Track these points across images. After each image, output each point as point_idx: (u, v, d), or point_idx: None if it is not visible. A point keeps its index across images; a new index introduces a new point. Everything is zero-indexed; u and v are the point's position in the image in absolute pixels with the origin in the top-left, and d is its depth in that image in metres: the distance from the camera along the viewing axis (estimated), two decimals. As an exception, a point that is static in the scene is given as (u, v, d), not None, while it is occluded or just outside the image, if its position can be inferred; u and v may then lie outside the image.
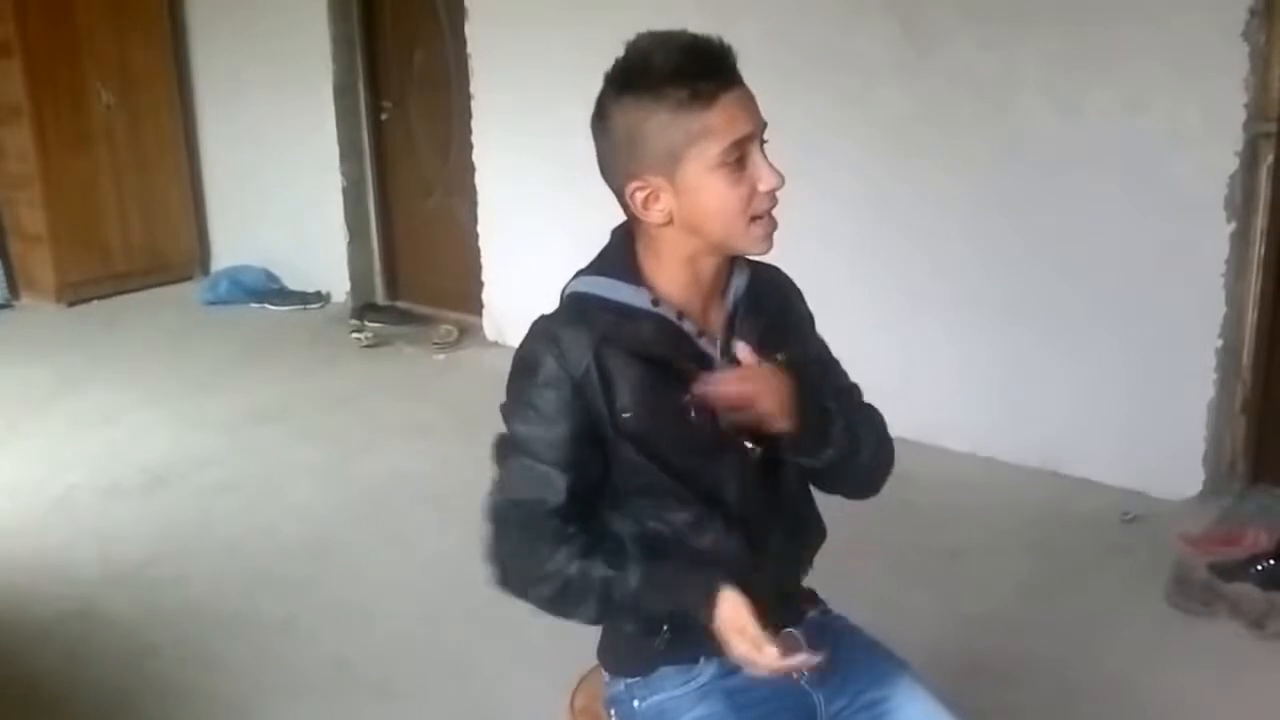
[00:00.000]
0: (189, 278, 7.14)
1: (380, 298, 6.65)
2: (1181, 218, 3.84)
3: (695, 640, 1.76)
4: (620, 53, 1.63)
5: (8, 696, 3.12)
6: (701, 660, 1.79)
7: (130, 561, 3.82)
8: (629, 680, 1.83)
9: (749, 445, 1.73)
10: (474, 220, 5.87)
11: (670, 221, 1.66)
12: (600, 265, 1.75)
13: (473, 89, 5.65)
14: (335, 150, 6.40)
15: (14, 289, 6.81)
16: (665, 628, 1.73)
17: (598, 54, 1.65)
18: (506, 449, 1.72)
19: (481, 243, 5.87)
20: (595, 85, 1.65)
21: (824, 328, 1.90)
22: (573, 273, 1.78)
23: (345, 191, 6.47)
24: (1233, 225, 3.76)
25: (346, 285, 6.58)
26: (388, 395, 5.37)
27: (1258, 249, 3.84)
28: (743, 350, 1.66)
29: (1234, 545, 3.45)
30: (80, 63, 6.58)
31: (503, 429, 1.74)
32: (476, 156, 5.75)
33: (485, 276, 5.89)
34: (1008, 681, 3.01)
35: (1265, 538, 3.44)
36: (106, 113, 6.71)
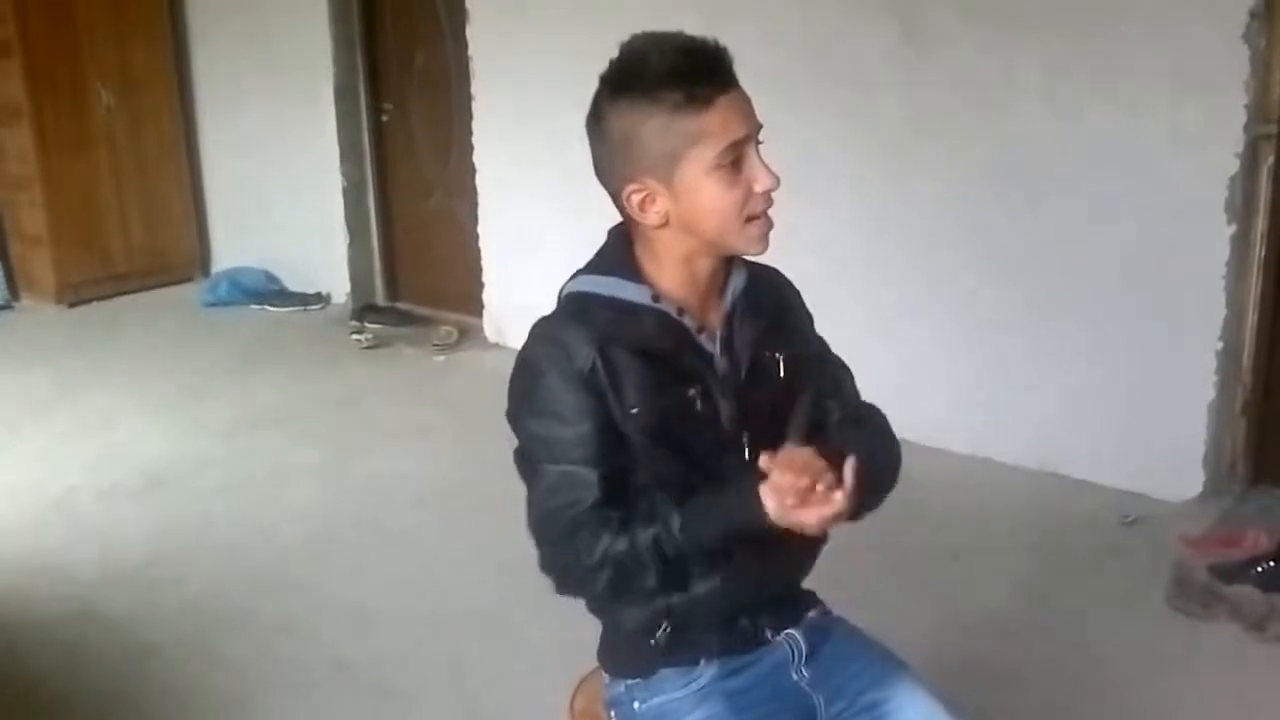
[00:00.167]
0: (189, 279, 7.14)
1: (380, 299, 6.65)
2: (1182, 220, 3.84)
3: (695, 642, 1.77)
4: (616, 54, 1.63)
5: (8, 696, 3.11)
6: (702, 662, 1.79)
7: (130, 562, 3.82)
8: (629, 682, 1.83)
9: (747, 453, 1.73)
10: (474, 221, 5.87)
11: (667, 223, 1.66)
12: (599, 264, 1.75)
13: (473, 90, 5.65)
14: (336, 152, 6.40)
15: (14, 290, 6.81)
16: (665, 624, 1.73)
17: (598, 56, 1.65)
18: (530, 460, 1.71)
19: (482, 244, 5.87)
20: (595, 87, 1.65)
21: (823, 328, 1.91)
22: (571, 273, 1.78)
23: (346, 193, 6.47)
24: (1233, 227, 3.76)
25: (347, 286, 6.58)
26: (388, 396, 5.37)
27: (1258, 251, 3.84)
28: (848, 472, 1.57)
29: (1234, 547, 3.45)
30: (81, 64, 6.58)
31: (515, 439, 1.73)
32: (477, 158, 5.75)
33: (485, 278, 5.89)
34: (1007, 683, 3.01)
35: (1265, 539, 3.44)
36: (107, 114, 6.71)
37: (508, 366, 1.74)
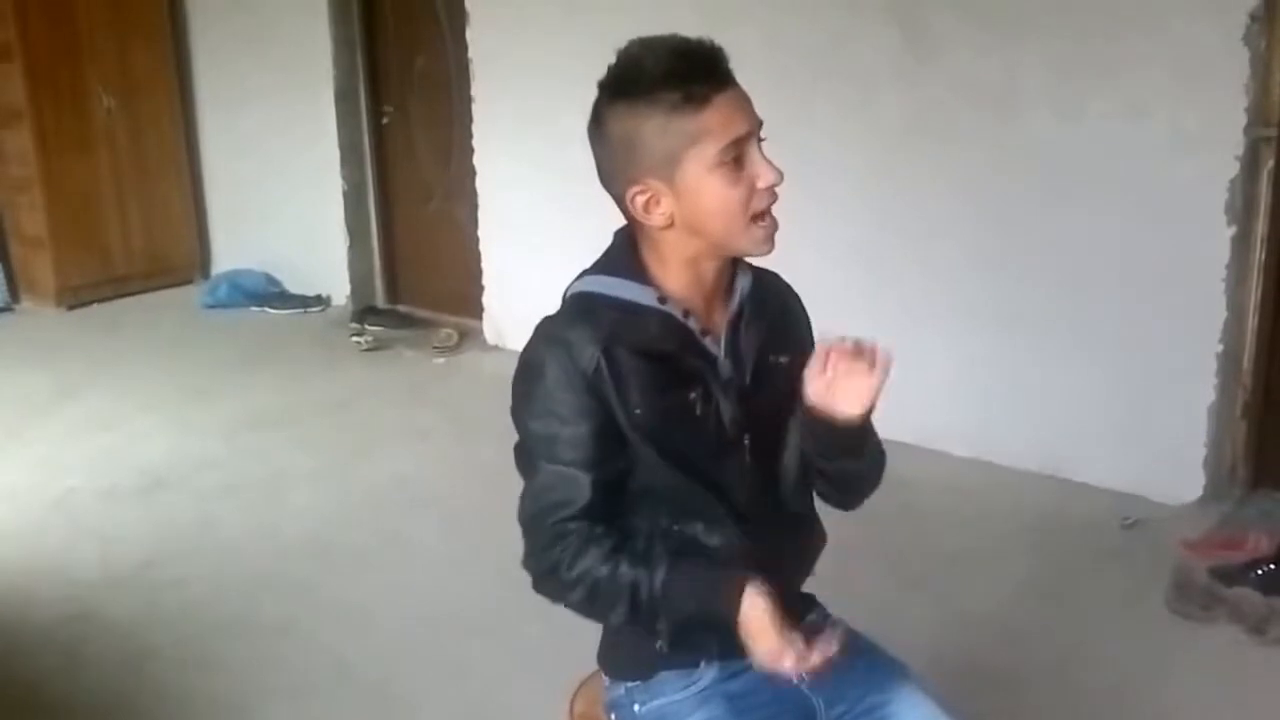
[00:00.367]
0: (189, 281, 7.14)
1: (380, 301, 6.65)
2: (1182, 222, 3.84)
3: (696, 644, 1.77)
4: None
5: (7, 699, 3.11)
6: (702, 664, 1.79)
7: (130, 564, 3.82)
8: (629, 684, 1.83)
9: (748, 455, 1.74)
10: (474, 224, 5.87)
11: (671, 224, 1.66)
12: (605, 265, 1.76)
13: (474, 93, 5.66)
14: (336, 154, 6.40)
15: (14, 292, 6.81)
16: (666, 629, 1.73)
17: (599, 59, 1.65)
18: (528, 456, 1.72)
19: (482, 246, 5.87)
20: (596, 90, 1.65)
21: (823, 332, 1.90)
22: (575, 275, 1.78)
23: (346, 195, 6.47)
24: (1233, 230, 3.76)
25: (347, 289, 6.58)
26: (387, 399, 5.37)
27: (1258, 254, 3.84)
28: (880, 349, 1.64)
29: (1234, 550, 3.45)
30: (81, 66, 6.58)
31: (517, 436, 1.74)
32: (477, 161, 5.75)
33: (485, 280, 5.89)
34: (1007, 685, 3.01)
35: (1266, 542, 3.44)
36: (107, 116, 6.71)
37: (508, 369, 1.74)
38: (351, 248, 6.54)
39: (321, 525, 4.09)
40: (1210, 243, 3.78)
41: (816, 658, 1.58)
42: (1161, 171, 3.84)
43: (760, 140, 1.65)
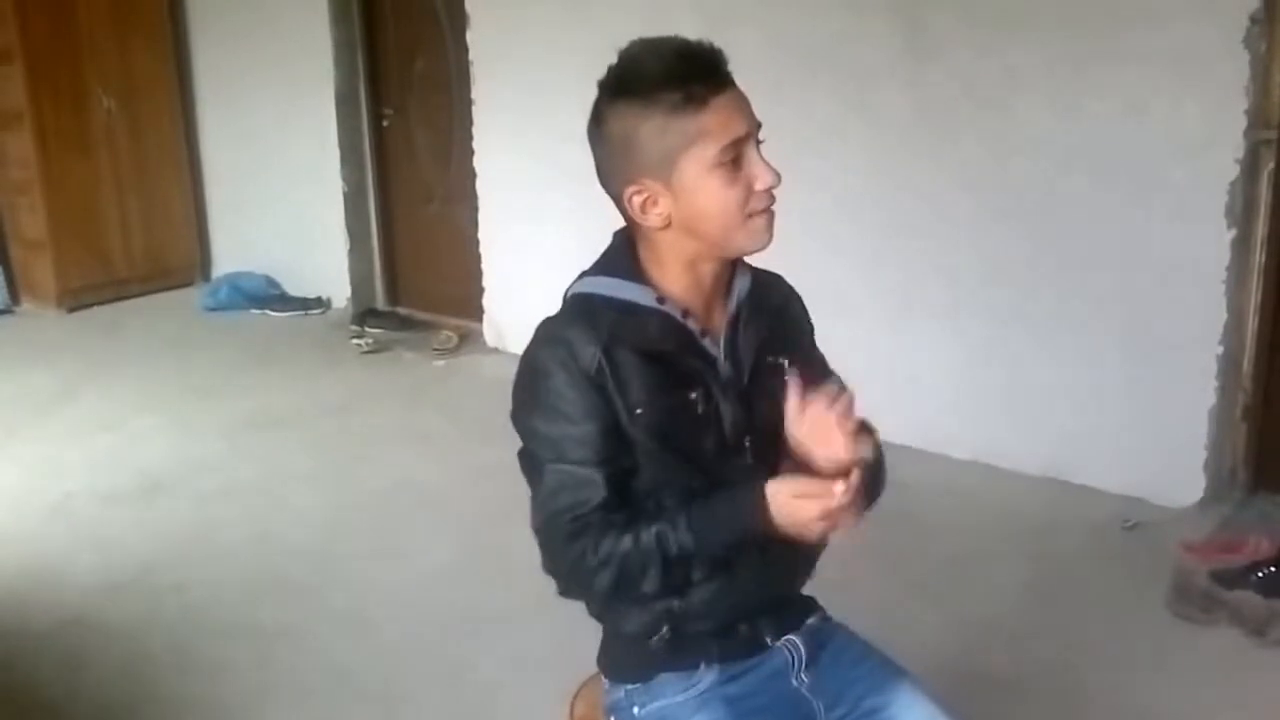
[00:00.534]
0: (190, 284, 7.14)
1: (381, 304, 6.65)
2: (1182, 224, 3.84)
3: (695, 647, 1.77)
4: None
5: (6, 705, 3.11)
6: (701, 667, 1.79)
7: (129, 568, 3.82)
8: (629, 687, 1.83)
9: (749, 456, 1.74)
10: (475, 226, 5.87)
11: (669, 225, 1.67)
12: (604, 266, 1.76)
13: (474, 95, 5.66)
14: (336, 156, 6.40)
15: (15, 294, 6.80)
16: (665, 627, 1.73)
17: (599, 61, 1.66)
18: (534, 460, 1.71)
19: (482, 249, 5.87)
20: (596, 91, 1.65)
21: (824, 335, 1.91)
22: (575, 277, 1.78)
23: (346, 197, 6.47)
24: (1233, 232, 3.76)
25: (347, 291, 6.58)
26: (388, 401, 5.36)
27: (1258, 256, 3.84)
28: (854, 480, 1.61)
29: (1235, 552, 3.44)
30: (81, 68, 6.58)
31: (517, 438, 1.73)
32: (477, 163, 5.75)
33: (486, 282, 5.89)
34: (1008, 689, 3.01)
35: (1266, 545, 3.43)
36: (108, 118, 6.71)
37: (508, 371, 1.74)
38: (352, 250, 6.54)
39: (321, 528, 4.09)
40: (1210, 245, 3.78)
41: (855, 478, 1.56)
42: (1162, 173, 3.84)
43: (759, 142, 1.65)
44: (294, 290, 6.81)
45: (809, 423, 1.63)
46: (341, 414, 5.19)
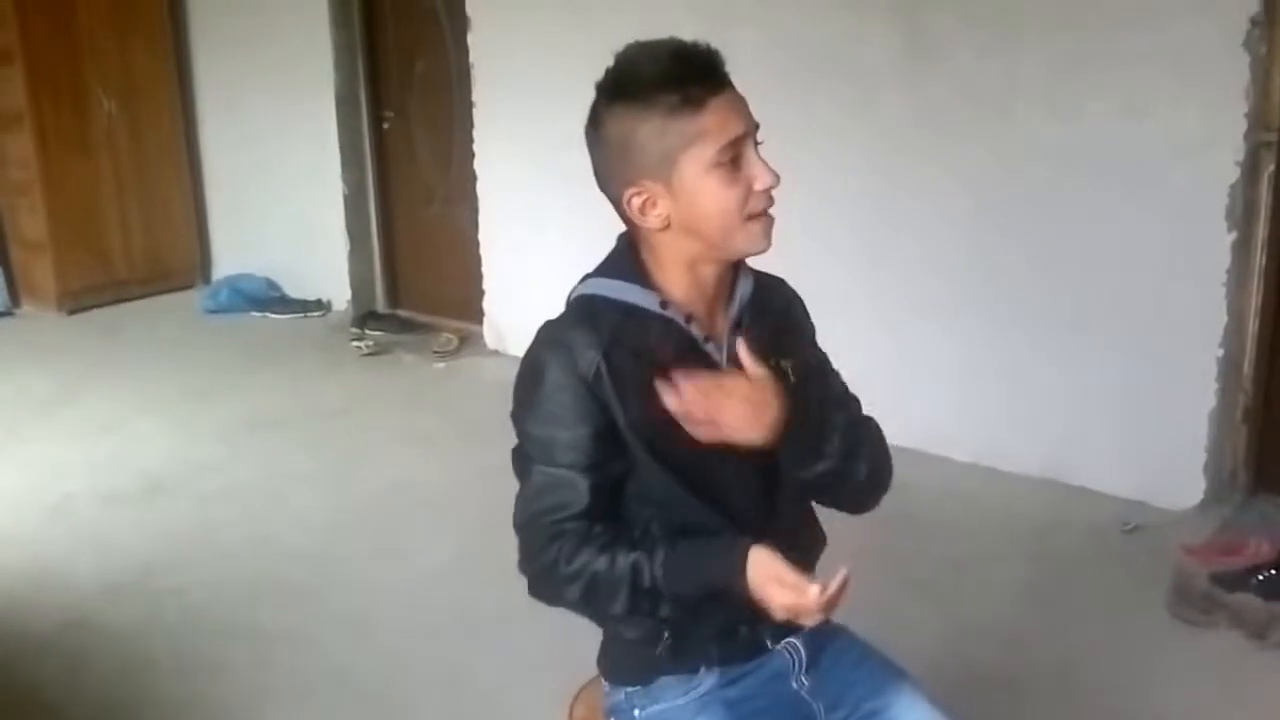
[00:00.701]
0: (190, 286, 7.14)
1: (381, 306, 6.65)
2: (1182, 227, 3.84)
3: (696, 650, 1.77)
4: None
5: (6, 706, 3.11)
6: (702, 670, 1.79)
7: (129, 571, 3.81)
8: (629, 689, 1.83)
9: (748, 465, 1.73)
10: (475, 228, 5.87)
11: (668, 226, 1.67)
12: (608, 269, 1.76)
13: (474, 97, 5.66)
14: (337, 158, 6.40)
15: (15, 296, 6.80)
16: (666, 634, 1.73)
17: (600, 63, 1.66)
18: (525, 459, 1.72)
19: (483, 251, 5.87)
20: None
21: (824, 336, 1.90)
22: (576, 279, 1.78)
23: (347, 199, 6.47)
24: (1234, 235, 3.76)
25: (347, 293, 6.58)
26: (388, 403, 5.36)
27: (1259, 259, 3.84)
28: (741, 350, 1.65)
29: (1235, 555, 3.44)
30: (82, 69, 6.58)
31: (515, 439, 1.74)
32: (478, 165, 5.76)
33: (486, 285, 5.89)
34: (1008, 691, 3.01)
35: (1266, 548, 3.43)
36: (108, 119, 6.71)
37: (508, 373, 1.74)
38: (352, 252, 6.54)
39: (321, 530, 4.09)
40: (1211, 247, 3.78)
41: (829, 594, 1.57)
42: (1162, 176, 3.84)
43: (757, 143, 1.65)
44: (294, 292, 6.81)
45: (718, 420, 1.62)
46: (342, 416, 5.19)
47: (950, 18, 4.17)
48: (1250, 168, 3.72)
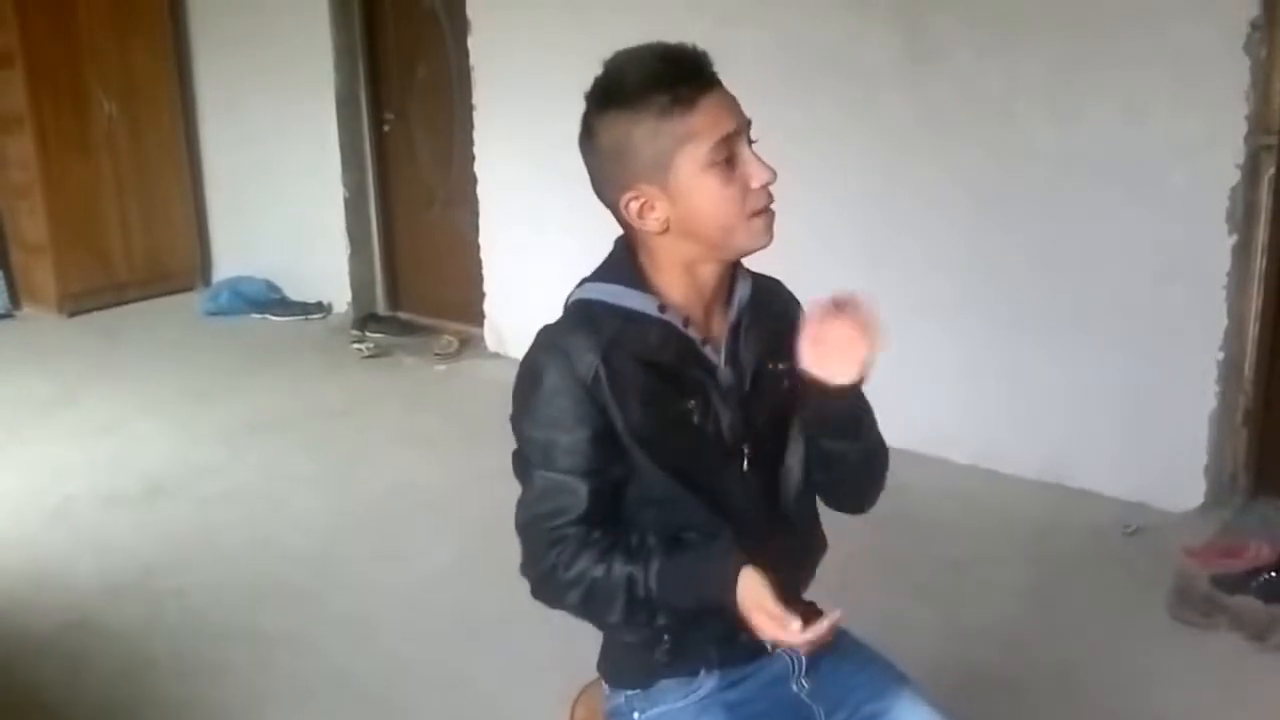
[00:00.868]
0: (190, 288, 7.14)
1: (381, 308, 6.65)
2: (1183, 230, 3.84)
3: (696, 653, 1.77)
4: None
5: (6, 708, 3.11)
6: (702, 673, 1.79)
7: (129, 572, 3.81)
8: (629, 693, 1.83)
9: (745, 463, 1.74)
10: (475, 231, 5.87)
11: (667, 229, 1.66)
12: (605, 273, 1.76)
13: (475, 100, 5.66)
14: (337, 160, 6.40)
15: (15, 299, 6.80)
16: (666, 638, 1.73)
17: (601, 66, 1.66)
18: (525, 463, 1.72)
19: (483, 253, 5.87)
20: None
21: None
22: (576, 281, 1.78)
23: (347, 202, 6.47)
24: (1234, 238, 3.76)
25: (348, 296, 6.58)
26: (388, 406, 5.36)
27: (1259, 262, 3.84)
28: (845, 296, 1.64)
29: (1235, 558, 3.44)
30: (82, 71, 6.58)
31: (515, 442, 1.74)
32: (478, 167, 5.76)
33: (486, 287, 5.89)
34: (1009, 693, 3.01)
35: (1267, 550, 3.43)
36: (108, 122, 6.71)
37: (508, 376, 1.74)
38: (352, 255, 6.54)
39: (322, 532, 4.09)
40: (1211, 250, 3.78)
41: (811, 634, 1.56)
42: (1162, 178, 3.84)
43: (751, 141, 1.65)
44: (294, 295, 6.81)
45: (824, 342, 1.61)
46: (342, 418, 5.19)
47: (951, 19, 4.17)
48: (1250, 170, 3.72)
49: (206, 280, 7.24)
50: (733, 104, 1.64)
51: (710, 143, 1.60)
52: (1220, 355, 3.87)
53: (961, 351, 4.38)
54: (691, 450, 1.70)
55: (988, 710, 2.74)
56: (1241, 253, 3.79)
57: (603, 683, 1.90)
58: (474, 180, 5.78)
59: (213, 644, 3.39)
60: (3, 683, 3.23)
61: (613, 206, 1.70)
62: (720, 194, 1.63)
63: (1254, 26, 3.60)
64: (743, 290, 1.77)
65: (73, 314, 6.70)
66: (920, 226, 4.40)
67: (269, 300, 6.77)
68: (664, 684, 1.79)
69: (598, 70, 1.65)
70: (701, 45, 1.64)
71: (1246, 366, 3.94)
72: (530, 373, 1.69)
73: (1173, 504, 3.95)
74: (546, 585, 1.70)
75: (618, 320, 1.69)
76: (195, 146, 7.16)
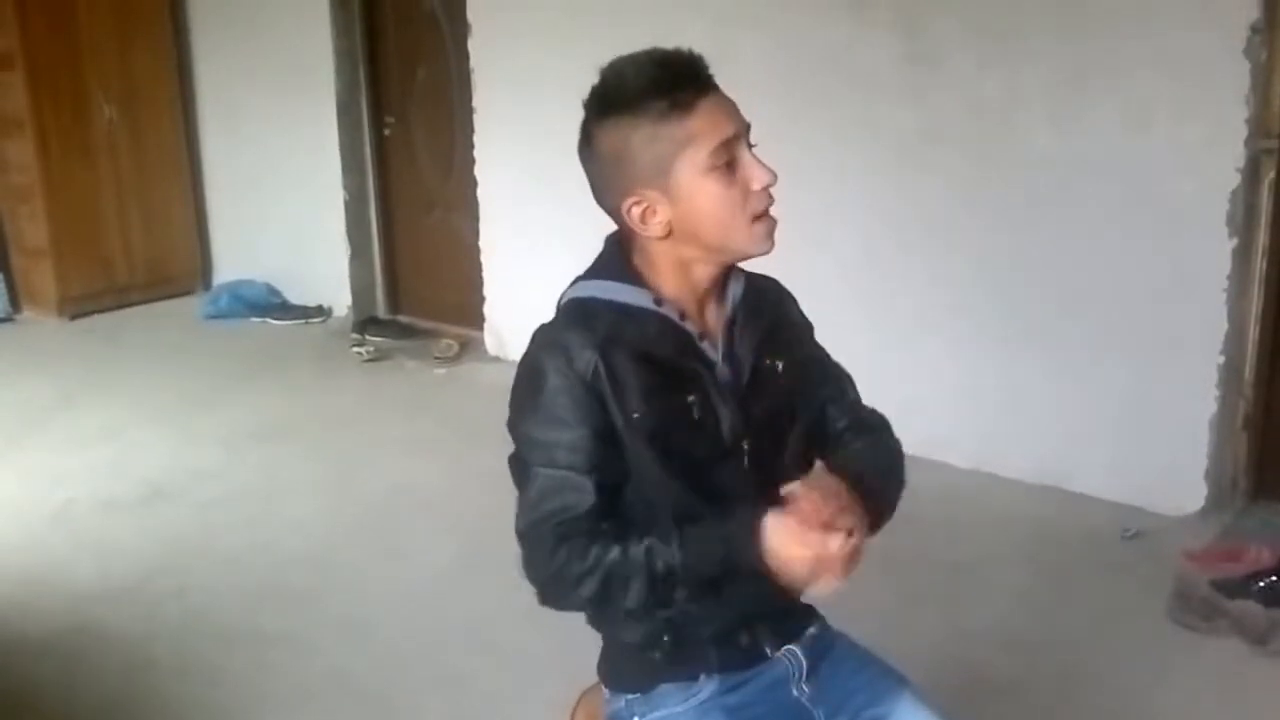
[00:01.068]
0: (190, 292, 7.14)
1: (382, 312, 6.65)
2: (1183, 234, 3.85)
3: (695, 655, 1.76)
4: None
5: (6, 710, 3.11)
6: (702, 677, 1.78)
7: (129, 576, 3.81)
8: (629, 696, 1.82)
9: (746, 460, 1.73)
10: (475, 234, 5.88)
11: (669, 233, 1.67)
12: (598, 270, 1.76)
13: (475, 104, 5.66)
14: (338, 164, 6.41)
15: (15, 302, 6.80)
16: (665, 637, 1.72)
17: (599, 72, 1.66)
18: (524, 465, 1.70)
19: (483, 257, 5.87)
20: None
21: (825, 342, 1.90)
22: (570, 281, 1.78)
23: (347, 206, 6.47)
24: (1234, 241, 3.76)
25: (348, 299, 6.58)
26: (389, 409, 5.36)
27: (1259, 265, 3.84)
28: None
29: (1236, 562, 3.44)
30: (83, 75, 6.59)
31: (512, 447, 1.73)
32: (478, 171, 5.76)
33: (486, 291, 5.90)
34: (1009, 697, 3.01)
35: (1267, 554, 3.43)
36: (109, 126, 6.72)
37: (509, 379, 1.74)
38: (353, 258, 6.54)
39: (322, 535, 4.09)
40: (1211, 254, 3.78)
41: (858, 539, 1.57)
42: (1163, 182, 3.84)
43: (751, 145, 1.66)
44: (295, 298, 6.81)
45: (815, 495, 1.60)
46: (342, 422, 5.19)
47: (952, 26, 4.17)
48: (1251, 174, 3.72)
49: (207, 284, 7.24)
50: (731, 108, 1.64)
51: (710, 146, 1.61)
52: (1220, 359, 3.87)
53: (962, 354, 4.38)
54: (692, 446, 1.70)
55: (988, 713, 2.74)
56: (1242, 256, 3.79)
57: (602, 686, 1.89)
58: (474, 183, 5.79)
59: (212, 646, 3.39)
60: (3, 685, 3.23)
61: (614, 212, 1.70)
62: (721, 197, 1.63)
63: (1254, 30, 3.60)
64: (736, 287, 1.77)
65: (73, 318, 6.71)
66: (920, 229, 4.40)
67: (269, 304, 6.77)
68: (664, 688, 1.79)
69: (598, 73, 1.66)
70: (701, 49, 1.64)
71: (1247, 370, 3.94)
72: (530, 372, 1.69)
73: (1173, 508, 3.95)
74: (557, 584, 1.66)
75: (614, 315, 1.68)
76: (195, 150, 7.16)
